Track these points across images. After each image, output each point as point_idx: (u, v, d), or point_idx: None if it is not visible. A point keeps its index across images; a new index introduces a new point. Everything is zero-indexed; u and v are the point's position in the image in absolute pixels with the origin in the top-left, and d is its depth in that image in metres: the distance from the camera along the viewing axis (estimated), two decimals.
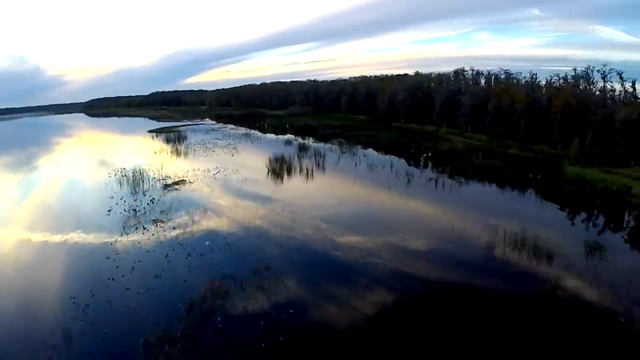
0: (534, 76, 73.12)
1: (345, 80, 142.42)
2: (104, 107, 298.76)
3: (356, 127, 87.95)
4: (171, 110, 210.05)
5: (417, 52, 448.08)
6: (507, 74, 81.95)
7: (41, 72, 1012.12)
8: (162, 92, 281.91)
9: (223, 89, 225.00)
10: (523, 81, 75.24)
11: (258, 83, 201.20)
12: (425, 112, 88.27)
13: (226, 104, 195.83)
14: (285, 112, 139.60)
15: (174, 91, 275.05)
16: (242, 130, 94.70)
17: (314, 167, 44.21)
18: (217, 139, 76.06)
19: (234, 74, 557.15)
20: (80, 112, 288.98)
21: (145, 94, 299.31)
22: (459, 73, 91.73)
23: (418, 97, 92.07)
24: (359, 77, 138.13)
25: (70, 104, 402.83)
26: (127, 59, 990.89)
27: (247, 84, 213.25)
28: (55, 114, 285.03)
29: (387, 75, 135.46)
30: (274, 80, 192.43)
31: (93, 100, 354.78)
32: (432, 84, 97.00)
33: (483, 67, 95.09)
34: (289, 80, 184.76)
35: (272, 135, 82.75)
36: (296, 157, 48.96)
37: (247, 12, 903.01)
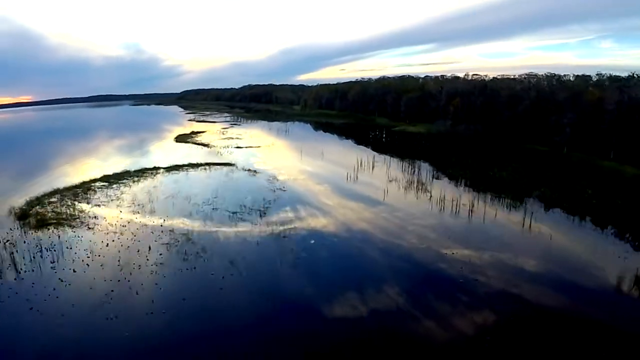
0: None
1: (551, 76, 73.83)
2: (193, 100, 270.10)
3: None
4: (250, 110, 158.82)
5: (535, 59, 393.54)
6: None
7: (158, 62, 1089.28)
8: (255, 85, 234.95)
9: (325, 84, 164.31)
10: None
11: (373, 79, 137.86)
12: None
13: (326, 106, 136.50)
14: (424, 128, 76.49)
15: (268, 85, 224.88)
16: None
17: None
18: None
19: (348, 73, 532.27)
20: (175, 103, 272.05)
21: (238, 86, 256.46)
22: None
23: None
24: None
25: (169, 93, 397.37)
26: (243, 52, 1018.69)
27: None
28: (153, 104, 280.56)
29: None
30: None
31: (185, 91, 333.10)
32: None
33: None
34: (421, 74, 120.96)
35: None
36: None
37: (365, 9, 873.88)
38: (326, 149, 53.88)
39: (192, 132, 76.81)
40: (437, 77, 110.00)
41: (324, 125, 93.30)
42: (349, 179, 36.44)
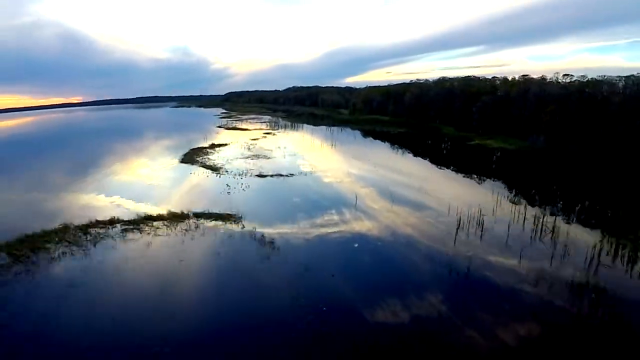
0: None
1: None
2: (236, 102, 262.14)
3: None
4: (292, 113, 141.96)
5: (583, 62, 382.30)
6: None
7: (206, 65, 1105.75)
8: (299, 87, 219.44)
9: (375, 86, 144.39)
10: None
11: (431, 80, 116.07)
12: None
13: (377, 110, 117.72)
14: (511, 143, 57.03)
15: (313, 87, 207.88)
16: None
17: None
18: None
19: (394, 76, 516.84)
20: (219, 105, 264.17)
21: (282, 89, 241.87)
22: None
23: None
24: None
25: (214, 95, 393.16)
26: (289, 54, 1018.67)
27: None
28: (194, 106, 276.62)
29: None
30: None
31: (229, 93, 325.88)
32: None
33: None
34: (497, 74, 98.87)
35: None
36: None
37: (410, 11, 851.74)
38: (396, 180, 35.48)
39: (212, 145, 59.72)
40: (507, 78, 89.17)
41: (378, 135, 74.38)
42: (461, 275, 17.71)
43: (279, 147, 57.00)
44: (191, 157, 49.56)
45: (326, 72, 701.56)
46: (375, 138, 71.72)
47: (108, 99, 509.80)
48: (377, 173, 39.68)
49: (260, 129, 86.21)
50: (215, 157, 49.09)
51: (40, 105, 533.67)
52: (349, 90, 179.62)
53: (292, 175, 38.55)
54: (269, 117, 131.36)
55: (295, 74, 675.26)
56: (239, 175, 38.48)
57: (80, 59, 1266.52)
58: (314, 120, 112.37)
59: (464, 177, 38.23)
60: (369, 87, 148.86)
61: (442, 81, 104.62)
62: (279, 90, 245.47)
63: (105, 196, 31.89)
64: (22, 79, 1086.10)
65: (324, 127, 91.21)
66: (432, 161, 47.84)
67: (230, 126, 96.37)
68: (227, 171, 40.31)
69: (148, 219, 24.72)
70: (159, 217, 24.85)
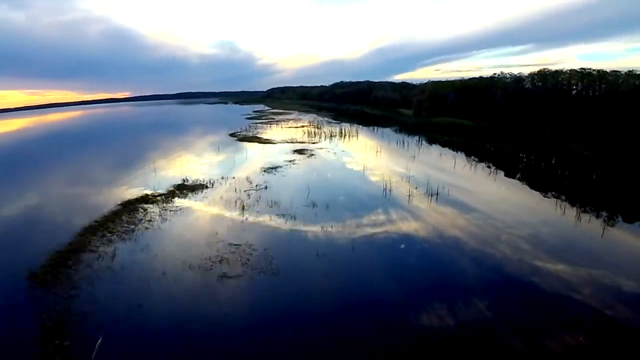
0: None
1: None
2: (279, 99, 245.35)
3: None
4: (340, 112, 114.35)
5: (636, 61, 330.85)
6: None
7: (252, 61, 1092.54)
8: (348, 82, 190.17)
9: (443, 81, 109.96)
10: None
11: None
12: None
13: (452, 110, 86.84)
14: None
15: (364, 82, 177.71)
16: None
17: None
18: None
19: (442, 74, 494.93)
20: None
21: (328, 84, 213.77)
22: None
23: None
24: None
25: (257, 91, 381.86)
26: (337, 50, 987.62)
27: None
28: (231, 102, 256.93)
29: None
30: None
31: (271, 89, 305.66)
32: None
33: None
34: None
35: None
36: None
37: (458, 6, 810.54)
38: None
39: (173, 192, 29.10)
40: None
41: (484, 154, 42.89)
42: None
43: (313, 205, 25.17)
44: (62, 270, 17.95)
45: (374, 69, 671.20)
46: (489, 161, 38.54)
47: (153, 94, 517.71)
48: None
49: (292, 140, 56.64)
50: (136, 266, 18.12)
51: (87, 100, 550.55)
52: (405, 86, 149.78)
53: None
54: (312, 116, 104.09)
55: (343, 71, 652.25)
56: None
57: (128, 54, 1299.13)
58: (368, 122, 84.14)
59: None
60: (433, 81, 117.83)
61: (545, 75, 73.74)
62: (325, 86, 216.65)
63: None
64: (71, 74, 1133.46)
65: (384, 133, 62.91)
66: None
67: (250, 134, 65.73)
68: None
69: None
70: None
